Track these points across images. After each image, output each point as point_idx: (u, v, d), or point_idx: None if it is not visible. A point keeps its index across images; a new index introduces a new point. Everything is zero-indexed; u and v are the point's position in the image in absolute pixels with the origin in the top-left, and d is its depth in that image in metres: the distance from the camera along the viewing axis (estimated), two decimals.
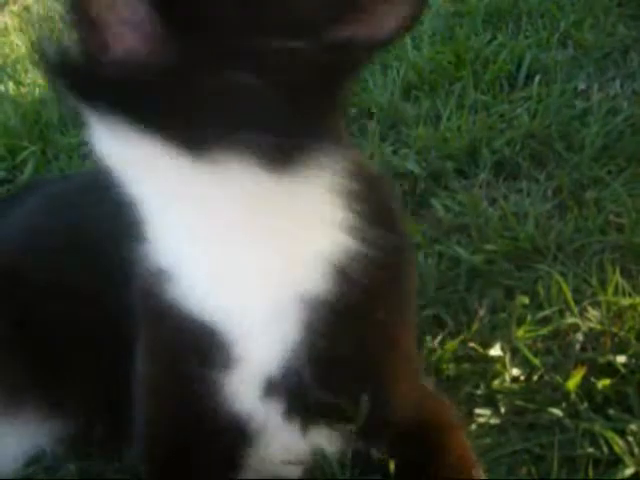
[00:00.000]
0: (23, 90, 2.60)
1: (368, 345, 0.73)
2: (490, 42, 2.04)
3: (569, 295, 1.07)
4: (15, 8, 4.40)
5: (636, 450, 0.87)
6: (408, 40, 2.15)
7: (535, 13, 2.20)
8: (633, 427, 0.90)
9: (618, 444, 0.87)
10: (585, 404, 0.94)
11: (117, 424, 0.84)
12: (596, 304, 1.09)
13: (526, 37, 2.03)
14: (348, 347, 0.70)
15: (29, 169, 1.86)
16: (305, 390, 0.70)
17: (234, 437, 0.72)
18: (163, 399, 0.74)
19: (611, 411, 0.93)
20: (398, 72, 1.94)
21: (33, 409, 0.87)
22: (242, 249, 0.63)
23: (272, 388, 0.70)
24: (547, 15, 2.17)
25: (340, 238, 0.66)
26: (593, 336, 1.04)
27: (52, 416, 0.88)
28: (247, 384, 0.69)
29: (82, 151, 1.94)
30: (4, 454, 0.88)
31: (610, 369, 0.98)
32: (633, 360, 0.99)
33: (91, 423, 0.88)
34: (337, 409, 0.72)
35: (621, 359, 0.98)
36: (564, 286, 1.08)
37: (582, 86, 1.79)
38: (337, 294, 0.67)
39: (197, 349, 0.68)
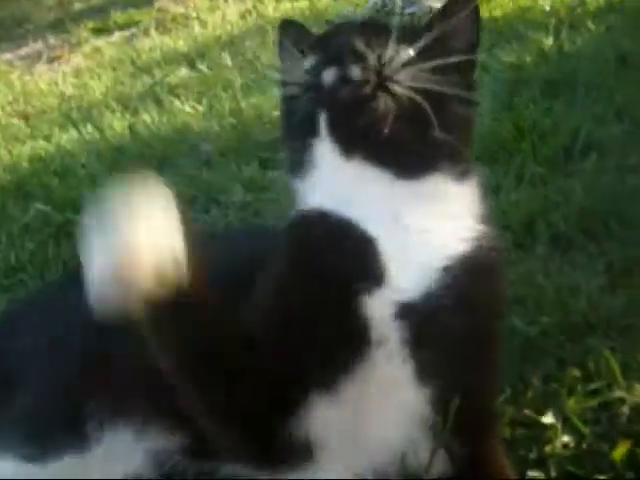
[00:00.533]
0: (101, 135, 2.76)
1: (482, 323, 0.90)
2: (547, 112, 2.15)
3: (617, 370, 1.17)
4: (88, 49, 4.63)
5: None
6: None
7: (591, 84, 2.30)
8: None
9: None
10: (631, 473, 1.04)
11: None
12: None
13: (582, 109, 2.13)
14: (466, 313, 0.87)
15: None
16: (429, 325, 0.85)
17: (359, 347, 0.84)
18: (305, 310, 0.85)
19: None
20: None
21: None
22: (413, 217, 0.87)
23: (404, 313, 0.84)
24: (604, 87, 2.26)
25: (476, 223, 0.91)
26: (639, 409, 1.13)
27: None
28: (385, 304, 0.84)
29: None
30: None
31: None
32: None
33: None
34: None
35: None
36: (612, 361, 1.17)
37: (633, 162, 1.88)
38: (471, 259, 0.88)
39: (354, 267, 0.85)
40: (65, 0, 5.99)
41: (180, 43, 4.11)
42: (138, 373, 0.96)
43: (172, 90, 3.28)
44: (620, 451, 1.05)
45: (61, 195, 2.21)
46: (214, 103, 2.90)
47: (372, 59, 0.84)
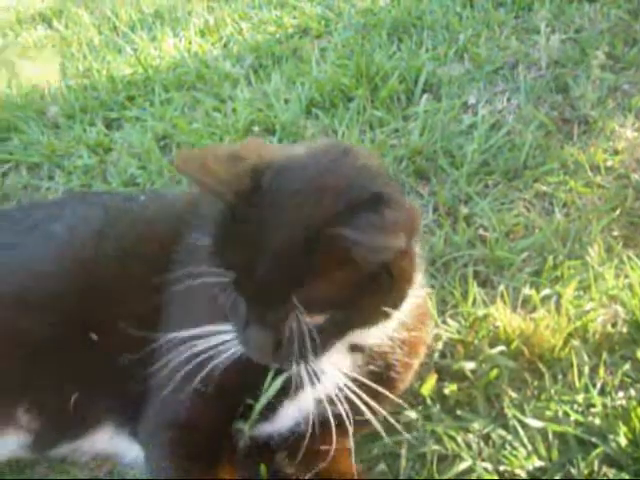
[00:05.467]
0: None
1: None
2: (392, 56, 2.16)
3: (433, 307, 1.20)
4: None
5: (474, 445, 1.00)
6: (315, 52, 2.26)
7: (437, 26, 2.32)
8: (476, 425, 1.04)
9: (456, 441, 1.00)
10: (438, 407, 1.07)
11: None
12: (457, 314, 1.22)
13: (427, 50, 2.15)
14: None
15: None
16: None
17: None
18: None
19: (459, 412, 1.06)
20: (303, 88, 2.04)
21: None
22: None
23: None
24: (448, 28, 2.29)
25: None
26: (451, 344, 1.17)
27: None
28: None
29: None
30: None
31: (462, 374, 1.12)
32: (482, 365, 1.12)
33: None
34: None
35: (470, 365, 1.11)
36: (428, 300, 1.20)
37: (472, 100, 1.92)
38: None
39: None
40: None
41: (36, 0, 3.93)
42: None
43: (25, 52, 3.14)
44: (427, 386, 1.09)
45: None
46: (67, 64, 2.80)
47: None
